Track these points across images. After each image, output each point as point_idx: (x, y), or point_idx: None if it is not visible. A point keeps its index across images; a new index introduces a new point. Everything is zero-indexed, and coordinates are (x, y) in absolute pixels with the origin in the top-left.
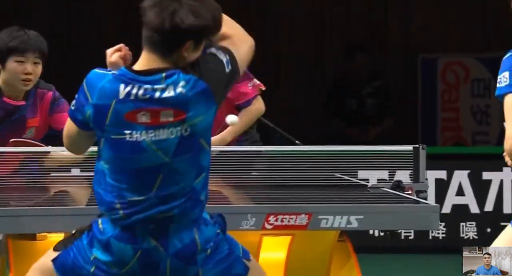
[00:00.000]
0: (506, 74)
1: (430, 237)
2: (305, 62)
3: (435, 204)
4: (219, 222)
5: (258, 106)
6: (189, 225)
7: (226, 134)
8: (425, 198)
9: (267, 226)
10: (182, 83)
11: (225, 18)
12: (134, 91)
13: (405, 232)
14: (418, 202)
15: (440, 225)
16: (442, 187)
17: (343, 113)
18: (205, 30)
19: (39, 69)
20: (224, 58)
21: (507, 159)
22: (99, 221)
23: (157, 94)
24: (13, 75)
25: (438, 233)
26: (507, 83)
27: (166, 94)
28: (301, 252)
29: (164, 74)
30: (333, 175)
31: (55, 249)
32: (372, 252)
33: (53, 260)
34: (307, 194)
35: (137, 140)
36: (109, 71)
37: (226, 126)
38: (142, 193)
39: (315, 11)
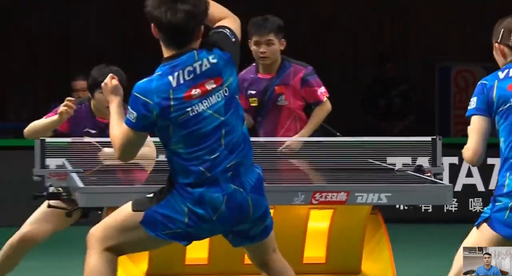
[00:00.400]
0: (474, 99)
1: (445, 210)
2: (343, 69)
3: (449, 184)
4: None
5: (328, 106)
6: (251, 165)
7: (304, 131)
8: (441, 179)
9: (313, 201)
10: (212, 56)
11: (214, 3)
12: (181, 77)
13: (424, 207)
14: (435, 182)
15: (453, 200)
16: (454, 170)
17: (375, 111)
18: (206, 13)
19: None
20: (226, 32)
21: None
22: (181, 184)
23: (198, 71)
24: (100, 103)
25: (451, 207)
26: (474, 107)
27: (204, 68)
28: (341, 222)
29: (195, 51)
30: (366, 160)
31: (134, 210)
32: (398, 223)
33: (141, 221)
34: (346, 176)
35: (198, 112)
36: (151, 76)
37: (290, 127)
38: (215, 150)
39: (349, 24)
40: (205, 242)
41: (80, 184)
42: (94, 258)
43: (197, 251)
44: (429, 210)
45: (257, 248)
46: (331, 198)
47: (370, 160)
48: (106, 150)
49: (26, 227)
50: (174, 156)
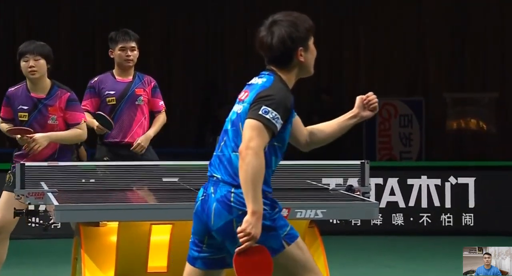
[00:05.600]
0: None
1: (372, 224)
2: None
3: (375, 201)
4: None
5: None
6: (226, 185)
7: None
8: (369, 197)
9: None
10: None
11: None
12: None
13: (354, 221)
14: (364, 200)
15: (379, 215)
16: (380, 189)
17: None
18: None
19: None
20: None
21: None
22: None
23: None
24: (24, 70)
25: (377, 221)
26: None
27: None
28: None
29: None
30: (304, 181)
31: None
32: (332, 235)
33: None
34: (287, 194)
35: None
36: None
37: None
38: (214, 151)
39: None
40: (164, 252)
41: (55, 202)
42: None
43: (158, 260)
44: (358, 224)
45: None
46: None
47: (308, 181)
48: (37, 135)
49: None
50: None
